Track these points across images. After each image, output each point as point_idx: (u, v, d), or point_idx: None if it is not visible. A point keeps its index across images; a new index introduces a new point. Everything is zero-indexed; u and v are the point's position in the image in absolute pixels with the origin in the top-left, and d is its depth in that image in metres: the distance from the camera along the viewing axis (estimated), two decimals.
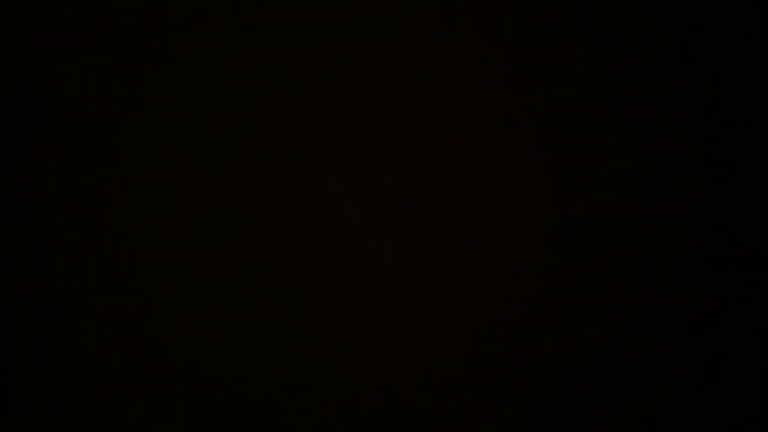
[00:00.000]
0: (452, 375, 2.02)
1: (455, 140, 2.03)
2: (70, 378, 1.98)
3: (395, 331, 2.02)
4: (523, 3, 2.05)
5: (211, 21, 2.02)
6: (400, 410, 2.01)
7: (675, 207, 2.06)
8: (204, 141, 2.01)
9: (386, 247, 2.02)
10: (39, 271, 1.99)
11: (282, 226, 2.02)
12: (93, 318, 1.99)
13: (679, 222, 2.06)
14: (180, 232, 2.00)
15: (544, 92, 2.05)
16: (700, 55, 2.08)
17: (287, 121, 2.03)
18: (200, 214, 2.01)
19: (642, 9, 2.07)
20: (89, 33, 2.01)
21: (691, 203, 2.06)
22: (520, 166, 2.04)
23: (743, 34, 2.08)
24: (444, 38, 2.04)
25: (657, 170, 2.06)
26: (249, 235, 2.01)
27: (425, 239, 2.02)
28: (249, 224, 2.01)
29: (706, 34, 2.08)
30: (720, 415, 2.05)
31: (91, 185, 2.00)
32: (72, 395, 1.98)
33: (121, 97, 2.01)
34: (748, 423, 2.05)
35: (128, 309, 1.99)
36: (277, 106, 2.03)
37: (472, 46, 2.04)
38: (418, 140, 2.03)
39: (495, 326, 2.02)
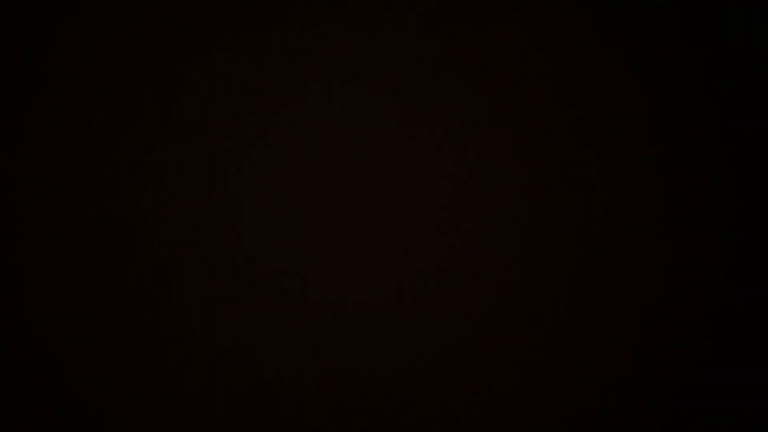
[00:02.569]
0: (449, 377, 2.02)
1: (452, 144, 2.04)
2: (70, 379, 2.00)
3: (392, 333, 2.02)
4: (520, 2, 2.06)
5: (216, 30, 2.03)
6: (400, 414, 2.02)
7: (677, 208, 2.06)
8: (208, 143, 2.02)
9: (383, 249, 2.03)
10: (41, 271, 2.01)
11: (281, 228, 2.03)
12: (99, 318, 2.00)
13: (681, 224, 2.05)
14: (183, 232, 2.02)
15: (542, 94, 2.05)
16: (701, 53, 2.08)
17: (285, 123, 2.04)
18: (198, 214, 2.02)
19: (643, 8, 2.07)
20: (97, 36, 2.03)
21: (694, 204, 2.06)
22: (518, 169, 2.04)
23: (744, 34, 2.08)
24: (439, 41, 2.05)
25: (656, 172, 2.06)
26: (247, 236, 2.02)
27: (424, 242, 2.03)
28: (246, 225, 2.02)
29: (706, 33, 2.08)
30: (720, 415, 2.05)
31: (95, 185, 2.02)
32: (72, 395, 2.00)
33: (129, 102, 2.02)
34: (748, 423, 2.05)
35: (129, 312, 2.00)
36: (275, 108, 2.04)
37: (469, 47, 2.05)
38: (414, 145, 2.04)
39: (491, 327, 2.03)
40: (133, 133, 2.02)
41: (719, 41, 2.07)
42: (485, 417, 2.02)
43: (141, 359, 2.00)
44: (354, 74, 2.04)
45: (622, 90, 2.06)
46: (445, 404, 2.02)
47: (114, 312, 2.00)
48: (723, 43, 2.07)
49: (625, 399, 2.04)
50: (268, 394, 2.01)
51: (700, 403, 2.04)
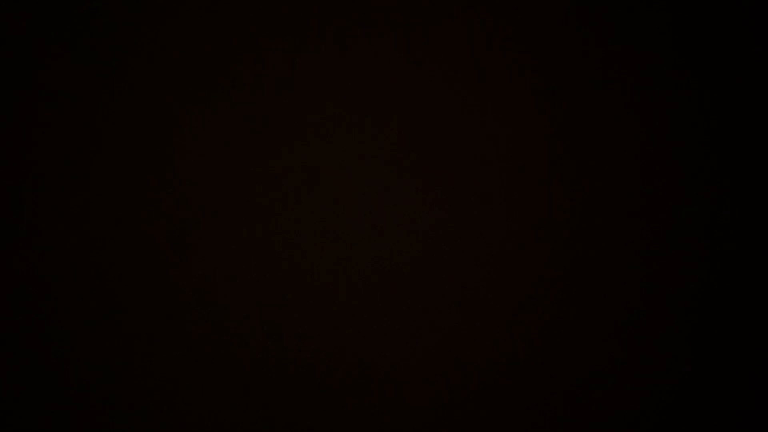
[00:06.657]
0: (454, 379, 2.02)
1: (458, 140, 2.03)
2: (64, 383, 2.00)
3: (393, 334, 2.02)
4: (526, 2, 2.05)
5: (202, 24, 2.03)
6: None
7: (679, 208, 2.05)
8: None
9: (388, 250, 2.02)
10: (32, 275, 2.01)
11: (282, 230, 2.02)
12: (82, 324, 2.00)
13: (683, 224, 2.05)
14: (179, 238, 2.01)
15: (547, 92, 2.05)
16: (702, 53, 2.07)
17: (286, 122, 2.04)
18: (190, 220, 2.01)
19: (644, 8, 2.06)
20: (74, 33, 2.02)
21: (696, 204, 2.05)
22: (527, 167, 2.04)
23: (744, 34, 2.07)
24: (446, 34, 2.04)
25: (662, 172, 2.05)
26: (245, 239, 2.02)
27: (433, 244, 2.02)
28: (244, 228, 2.01)
29: (708, 33, 2.07)
30: (720, 416, 2.04)
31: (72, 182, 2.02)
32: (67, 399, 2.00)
33: (113, 98, 2.02)
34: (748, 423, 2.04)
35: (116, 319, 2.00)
36: (269, 99, 2.03)
37: (475, 43, 2.04)
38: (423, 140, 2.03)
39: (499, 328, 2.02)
40: (138, 136, 2.02)
41: (715, 39, 2.07)
42: (478, 415, 2.02)
43: (141, 359, 2.00)
44: (349, 74, 2.04)
45: (615, 91, 2.06)
46: (438, 402, 2.02)
47: (115, 312, 2.00)
48: (719, 43, 2.07)
49: (617, 398, 2.03)
50: (266, 392, 2.01)
51: (693, 402, 2.04)
